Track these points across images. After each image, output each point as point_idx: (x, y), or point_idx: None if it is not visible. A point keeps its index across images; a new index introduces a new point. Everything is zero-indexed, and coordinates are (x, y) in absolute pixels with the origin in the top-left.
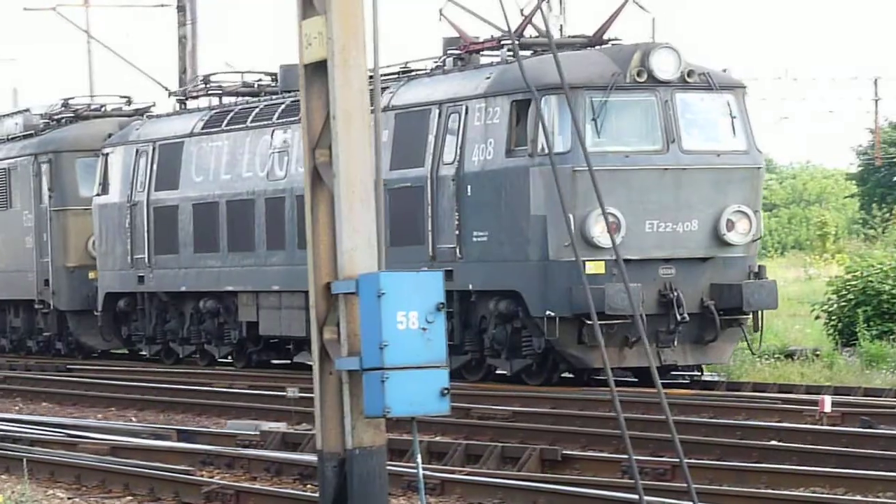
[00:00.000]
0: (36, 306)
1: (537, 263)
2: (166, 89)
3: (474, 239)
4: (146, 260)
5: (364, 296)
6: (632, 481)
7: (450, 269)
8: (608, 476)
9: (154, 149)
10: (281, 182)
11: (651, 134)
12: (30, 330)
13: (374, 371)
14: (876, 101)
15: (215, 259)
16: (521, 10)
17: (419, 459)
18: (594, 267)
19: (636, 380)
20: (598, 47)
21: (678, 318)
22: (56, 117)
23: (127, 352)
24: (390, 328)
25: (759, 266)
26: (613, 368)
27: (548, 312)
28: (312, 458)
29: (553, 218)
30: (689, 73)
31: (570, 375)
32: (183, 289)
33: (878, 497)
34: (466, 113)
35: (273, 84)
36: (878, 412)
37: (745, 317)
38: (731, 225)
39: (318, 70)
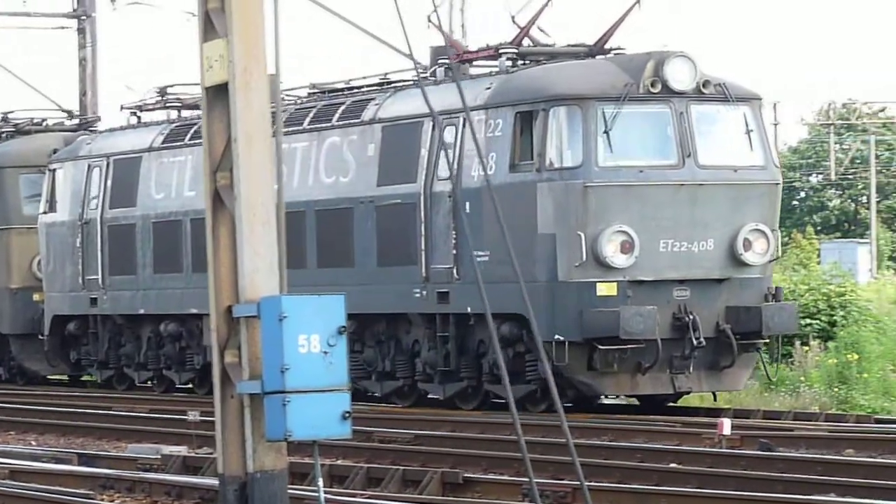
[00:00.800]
0: None
1: (545, 285)
2: (67, 112)
3: (474, 259)
4: (100, 281)
5: (265, 319)
6: None
7: (445, 290)
8: (509, 498)
9: (108, 164)
10: None
11: (666, 148)
12: None
13: (276, 394)
14: (775, 125)
15: (178, 280)
16: (513, 18)
17: (320, 483)
18: (606, 289)
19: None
20: (600, 57)
21: (694, 342)
22: None
23: (67, 378)
24: (292, 351)
25: (777, 288)
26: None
27: (556, 337)
28: (214, 481)
29: (563, 236)
30: (705, 84)
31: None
32: (141, 311)
33: None
34: (464, 125)
35: None
36: (777, 435)
37: (762, 341)
38: (748, 244)
39: (220, 93)
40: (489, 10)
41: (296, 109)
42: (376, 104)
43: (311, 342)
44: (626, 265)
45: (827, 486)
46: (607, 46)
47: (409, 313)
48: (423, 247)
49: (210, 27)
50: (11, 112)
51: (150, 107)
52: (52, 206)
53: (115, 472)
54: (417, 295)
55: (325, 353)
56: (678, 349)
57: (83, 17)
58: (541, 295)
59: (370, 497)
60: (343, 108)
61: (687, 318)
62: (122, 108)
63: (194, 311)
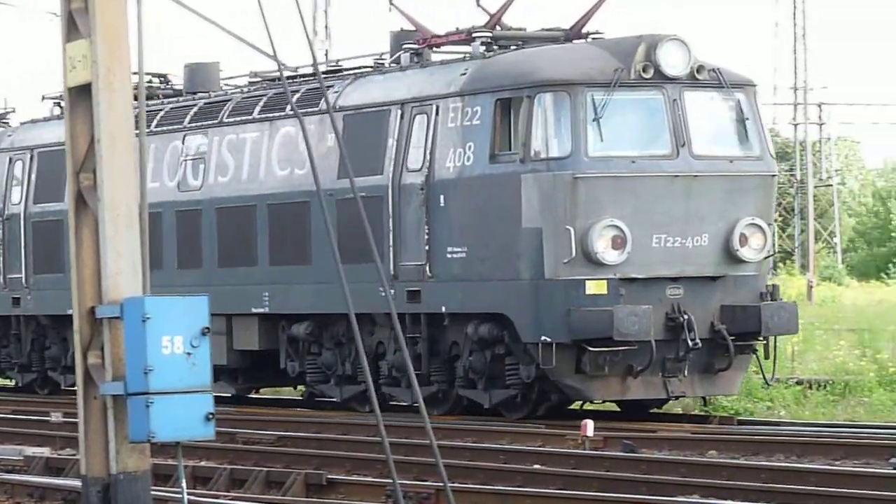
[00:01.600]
0: None
1: (530, 283)
2: None
3: (448, 255)
4: (23, 280)
5: (128, 320)
6: None
7: (416, 289)
8: (372, 500)
9: (32, 157)
10: (196, 193)
11: (659, 137)
12: None
13: (139, 396)
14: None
15: None
16: (478, 2)
17: (184, 484)
18: (595, 287)
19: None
20: (578, 41)
21: (689, 343)
22: None
23: None
24: (155, 353)
25: (774, 286)
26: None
27: (542, 338)
28: (77, 483)
29: (550, 231)
30: (699, 69)
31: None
32: (69, 311)
33: None
34: (437, 113)
35: (168, 86)
36: (641, 436)
37: (758, 342)
38: (744, 240)
39: (83, 93)
40: None
41: (242, 98)
42: (335, 92)
43: (174, 343)
44: (618, 262)
45: (690, 488)
46: (584, 31)
47: (373, 314)
48: (391, 242)
49: (73, 27)
50: None
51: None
52: None
53: None
54: (383, 294)
55: (189, 354)
56: (671, 351)
57: None
58: (525, 293)
59: (233, 499)
60: (297, 95)
61: (681, 318)
62: (43, 98)
63: None
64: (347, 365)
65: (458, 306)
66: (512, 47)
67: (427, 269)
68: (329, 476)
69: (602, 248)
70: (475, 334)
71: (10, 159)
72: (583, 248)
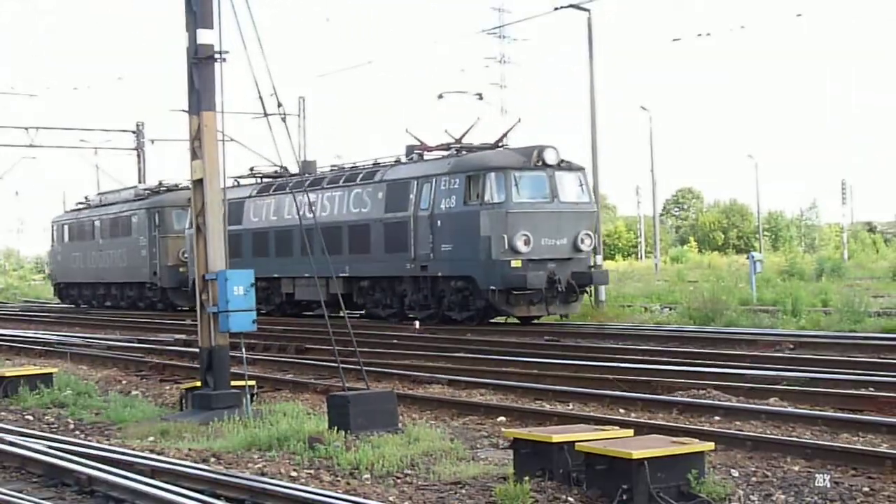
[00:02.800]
0: (147, 284)
1: (485, 261)
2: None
3: (442, 249)
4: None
5: (220, 280)
6: None
7: (426, 265)
8: (324, 355)
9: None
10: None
11: (544, 193)
12: (141, 297)
13: (224, 312)
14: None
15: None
16: (446, 131)
17: (244, 350)
18: (516, 263)
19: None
20: (499, 148)
21: (558, 289)
22: (154, 189)
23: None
24: (231, 293)
25: (596, 263)
26: (523, 316)
27: (491, 287)
28: (197, 349)
29: (495, 237)
30: (561, 161)
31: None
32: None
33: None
34: (436, 182)
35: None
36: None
37: (590, 288)
38: (582, 241)
39: (198, 183)
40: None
41: (334, 175)
42: (381, 171)
43: (238, 290)
44: (527, 251)
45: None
46: (501, 143)
47: (401, 276)
48: (412, 243)
49: (195, 154)
50: (164, 179)
51: (244, 176)
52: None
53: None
54: (409, 266)
55: (245, 294)
56: (550, 293)
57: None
58: (483, 266)
59: (264, 352)
60: (362, 174)
61: (555, 277)
62: (227, 177)
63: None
64: (388, 300)
65: (447, 272)
66: (463, 152)
67: (431, 255)
68: (306, 346)
69: (520, 244)
70: (455, 286)
71: None
72: (510, 245)
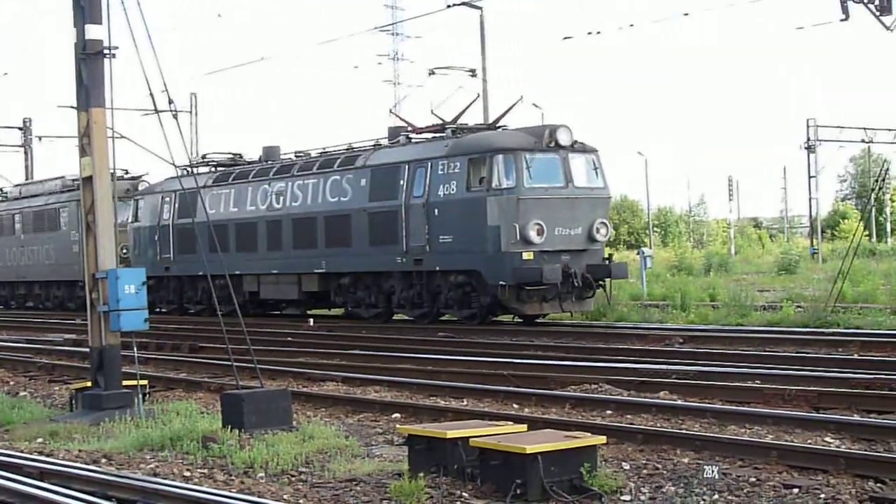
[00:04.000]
0: (80, 283)
1: (493, 253)
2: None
3: (441, 240)
4: (171, 257)
5: (110, 278)
6: None
7: (420, 258)
8: (218, 354)
9: (174, 196)
10: (279, 212)
11: (557, 177)
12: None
13: (114, 311)
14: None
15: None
16: (432, 111)
17: (135, 349)
18: (528, 255)
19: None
20: (498, 129)
21: (574, 284)
22: None
23: None
24: (122, 292)
25: (610, 254)
26: (530, 315)
27: (500, 282)
28: (87, 349)
29: (504, 227)
30: (575, 142)
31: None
32: (198, 273)
33: None
34: (432, 167)
35: (242, 158)
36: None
37: (607, 282)
38: (598, 230)
39: (87, 181)
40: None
41: (304, 161)
42: (364, 156)
43: (129, 288)
44: (540, 242)
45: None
46: (498, 125)
47: (389, 270)
48: (404, 234)
49: (84, 151)
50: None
51: (196, 163)
52: (136, 218)
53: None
54: (399, 260)
55: (137, 292)
56: (564, 288)
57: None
58: (490, 259)
59: (156, 353)
60: (339, 160)
61: (569, 271)
62: (175, 166)
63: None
64: (372, 298)
65: (445, 266)
66: (459, 133)
67: (427, 247)
68: (200, 345)
69: (533, 235)
70: (456, 281)
71: (162, 197)
72: (522, 235)
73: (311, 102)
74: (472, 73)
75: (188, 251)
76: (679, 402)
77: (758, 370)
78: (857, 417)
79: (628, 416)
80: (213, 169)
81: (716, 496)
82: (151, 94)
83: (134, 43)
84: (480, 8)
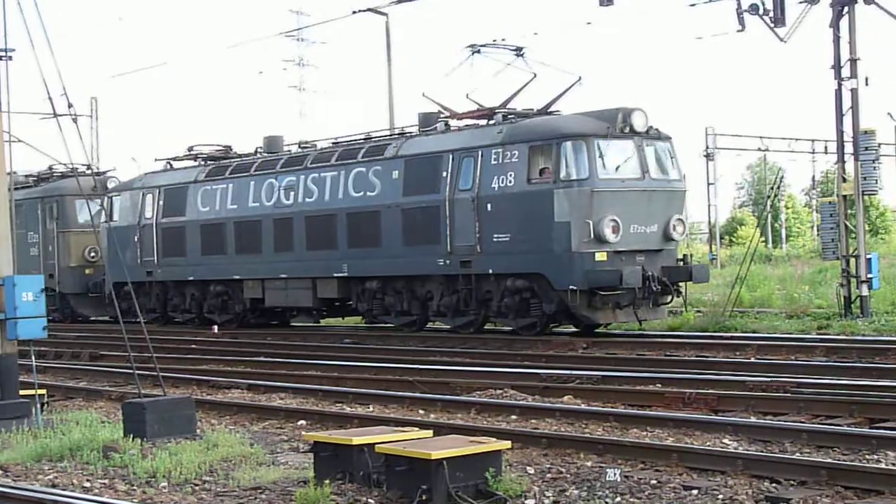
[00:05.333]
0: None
1: (562, 254)
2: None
3: (495, 240)
4: (154, 260)
5: (7, 285)
6: None
7: (468, 260)
8: (119, 361)
9: (159, 192)
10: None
11: (634, 167)
12: None
13: (12, 319)
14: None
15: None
16: (468, 95)
17: (34, 358)
18: (602, 256)
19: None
20: (551, 114)
21: (653, 288)
22: (44, 175)
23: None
24: (19, 299)
25: (685, 254)
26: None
27: (570, 286)
28: None
29: (575, 223)
30: (650, 128)
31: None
32: (190, 278)
33: None
34: (483, 156)
35: (232, 151)
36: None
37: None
38: (674, 228)
39: None
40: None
41: (320, 152)
42: (395, 145)
43: (28, 295)
44: (615, 241)
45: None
46: (551, 110)
47: (426, 274)
48: (448, 232)
49: None
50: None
51: (180, 158)
52: (110, 217)
53: None
54: (441, 262)
55: (35, 300)
56: (641, 293)
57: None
58: (558, 260)
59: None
60: (364, 149)
61: (647, 273)
62: (155, 160)
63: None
64: (403, 305)
65: (502, 269)
66: (511, 118)
67: (477, 247)
68: (101, 352)
69: (608, 233)
70: (513, 286)
71: (143, 193)
72: (596, 233)
73: (218, 107)
74: (519, 51)
75: (176, 253)
76: (582, 406)
77: (659, 374)
78: (753, 419)
79: (533, 421)
80: (202, 162)
81: (618, 498)
82: (50, 98)
83: (32, 45)
84: (386, 14)
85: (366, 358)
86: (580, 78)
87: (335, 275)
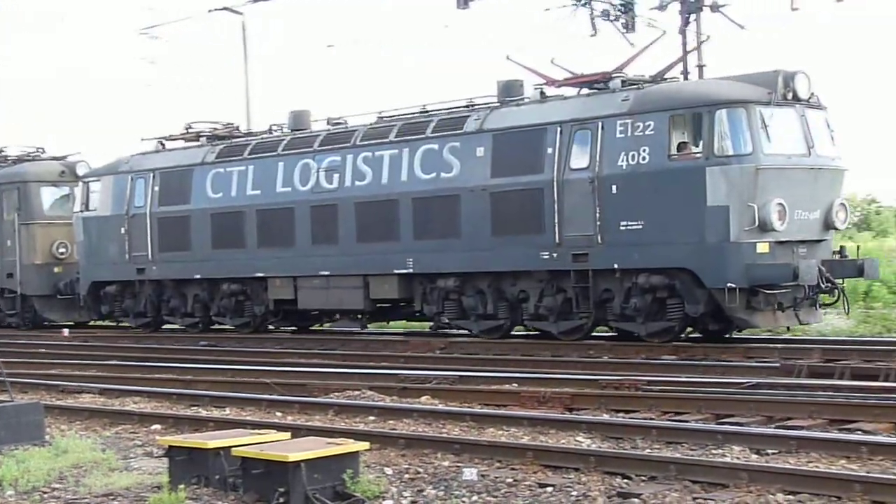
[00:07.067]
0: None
1: (717, 244)
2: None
3: (622, 228)
4: (148, 255)
5: None
6: None
7: (584, 252)
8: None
9: (154, 176)
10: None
11: (799, 141)
12: None
13: None
14: None
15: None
16: (552, 60)
17: None
18: (763, 247)
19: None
20: (670, 81)
21: (821, 287)
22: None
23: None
24: None
25: (841, 246)
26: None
27: (728, 284)
28: None
29: (735, 208)
30: (811, 95)
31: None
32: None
33: None
34: (604, 128)
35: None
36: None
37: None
38: (837, 214)
39: None
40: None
41: (372, 128)
42: (478, 118)
43: None
44: (782, 229)
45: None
46: (666, 77)
47: (517, 270)
48: (556, 220)
49: None
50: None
51: (175, 137)
52: (86, 206)
53: None
54: (546, 255)
55: None
56: (800, 292)
57: None
58: (712, 252)
59: None
60: (434, 122)
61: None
62: (142, 139)
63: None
64: (488, 308)
65: (631, 263)
66: (634, 84)
67: (598, 238)
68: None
69: (774, 219)
70: (647, 283)
71: (133, 178)
72: (762, 219)
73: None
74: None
75: (177, 247)
76: (440, 406)
77: (515, 374)
78: (606, 417)
79: (391, 422)
80: (207, 141)
81: (475, 497)
82: None
83: None
84: (242, 13)
85: (222, 360)
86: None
87: (396, 271)
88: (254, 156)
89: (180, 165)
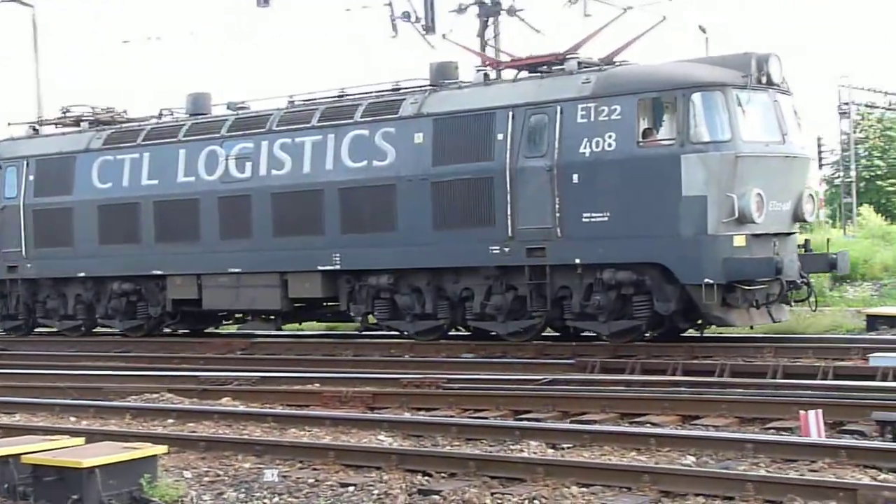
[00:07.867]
0: None
1: (693, 237)
2: None
3: (584, 220)
4: (21, 252)
5: None
6: None
7: (540, 247)
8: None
9: (28, 164)
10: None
11: (773, 128)
12: None
13: None
14: None
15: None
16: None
17: None
18: (740, 240)
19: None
20: (617, 65)
21: (797, 282)
22: None
23: None
24: None
25: (805, 239)
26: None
27: (705, 280)
28: None
29: (712, 198)
30: (783, 79)
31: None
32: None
33: None
34: (563, 112)
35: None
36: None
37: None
38: (805, 205)
39: None
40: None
41: (289, 112)
42: (413, 101)
43: None
44: (760, 221)
45: None
46: (616, 60)
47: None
48: (508, 212)
49: None
50: None
51: (50, 121)
52: None
53: None
54: (496, 250)
55: None
56: (776, 288)
57: None
58: (686, 246)
59: None
60: (364, 107)
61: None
62: (9, 124)
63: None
64: (425, 307)
65: (597, 258)
66: (590, 65)
67: (557, 231)
68: None
69: (753, 210)
70: (613, 279)
71: (1, 166)
72: (741, 210)
73: None
74: None
75: (56, 243)
76: (241, 408)
77: (317, 374)
78: (407, 415)
79: (191, 424)
80: (90, 126)
81: (276, 499)
82: None
83: None
84: (32, 6)
85: (10, 364)
86: (664, 18)
87: (320, 268)
88: (149, 142)
89: (61, 153)
